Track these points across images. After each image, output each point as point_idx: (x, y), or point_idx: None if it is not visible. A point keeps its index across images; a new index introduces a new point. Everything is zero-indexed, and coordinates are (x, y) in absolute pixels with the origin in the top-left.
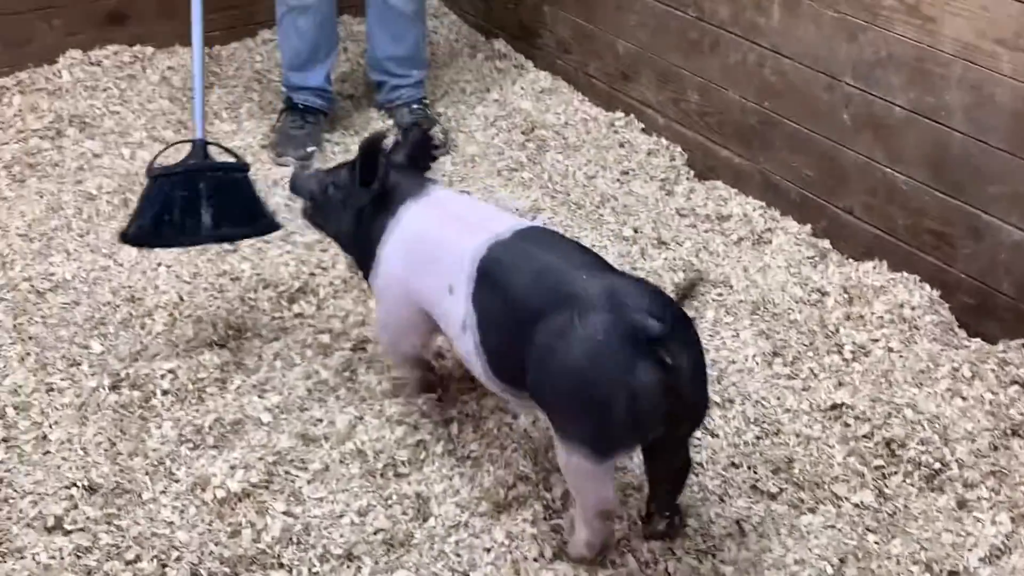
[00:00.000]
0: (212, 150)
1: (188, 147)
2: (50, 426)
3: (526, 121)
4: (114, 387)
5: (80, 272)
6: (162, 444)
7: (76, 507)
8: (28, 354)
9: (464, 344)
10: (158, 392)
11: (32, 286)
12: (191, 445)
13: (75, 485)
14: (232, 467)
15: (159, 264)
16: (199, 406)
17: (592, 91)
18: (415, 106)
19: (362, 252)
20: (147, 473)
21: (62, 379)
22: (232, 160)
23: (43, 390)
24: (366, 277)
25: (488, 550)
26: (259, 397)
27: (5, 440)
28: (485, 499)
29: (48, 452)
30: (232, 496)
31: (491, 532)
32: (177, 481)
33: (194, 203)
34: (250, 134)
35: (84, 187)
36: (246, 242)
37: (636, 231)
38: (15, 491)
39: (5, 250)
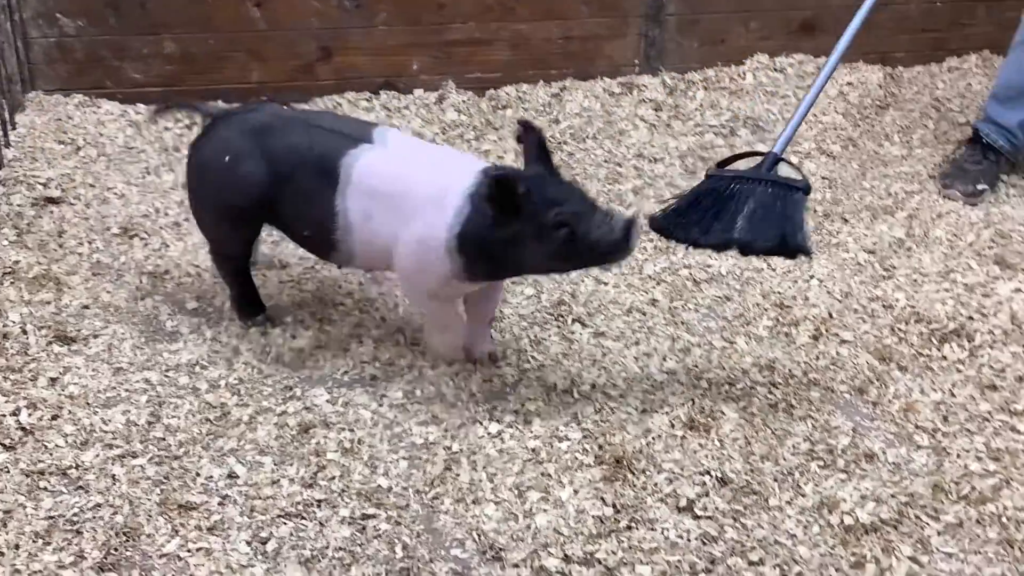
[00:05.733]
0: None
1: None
2: (700, 409)
3: None
4: (769, 387)
5: (735, 269)
6: (793, 455)
7: (707, 495)
8: (678, 337)
9: None
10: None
11: (691, 274)
12: (822, 463)
13: (708, 473)
14: (863, 496)
15: (811, 276)
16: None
17: None
18: None
19: None
20: (776, 479)
21: (714, 366)
22: (796, 178)
23: (691, 372)
24: None
25: None
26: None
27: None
28: None
29: (685, 437)
30: (859, 526)
31: None
32: (804, 496)
33: (735, 209)
34: (920, 161)
35: None
36: (902, 271)
37: None
38: (654, 466)
39: None
